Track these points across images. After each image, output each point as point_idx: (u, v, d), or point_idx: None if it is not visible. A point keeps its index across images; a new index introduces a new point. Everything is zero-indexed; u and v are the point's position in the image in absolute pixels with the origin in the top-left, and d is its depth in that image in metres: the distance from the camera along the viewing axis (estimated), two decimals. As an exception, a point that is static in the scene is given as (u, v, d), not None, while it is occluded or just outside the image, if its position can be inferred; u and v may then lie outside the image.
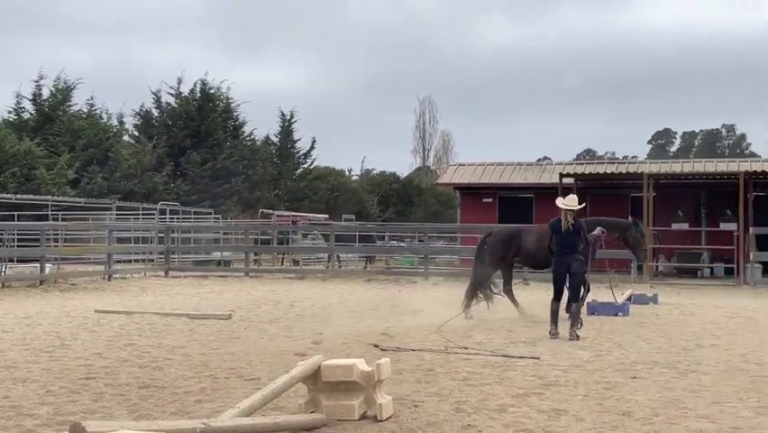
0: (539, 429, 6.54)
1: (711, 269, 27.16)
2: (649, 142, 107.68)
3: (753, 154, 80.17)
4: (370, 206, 56.32)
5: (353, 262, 33.61)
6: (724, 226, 26.96)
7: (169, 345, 10.86)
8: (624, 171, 28.22)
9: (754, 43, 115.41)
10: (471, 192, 32.47)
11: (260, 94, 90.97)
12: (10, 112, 45.96)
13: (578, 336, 11.62)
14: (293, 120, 55.16)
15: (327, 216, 42.89)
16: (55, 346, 10.81)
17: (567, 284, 12.20)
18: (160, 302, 17.20)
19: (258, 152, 52.33)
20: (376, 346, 10.52)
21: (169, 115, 49.79)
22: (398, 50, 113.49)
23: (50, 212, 32.87)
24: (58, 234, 30.86)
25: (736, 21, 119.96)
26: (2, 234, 22.48)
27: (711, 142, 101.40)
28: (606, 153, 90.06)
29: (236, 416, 5.98)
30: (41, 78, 46.20)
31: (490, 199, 31.70)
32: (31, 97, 46.34)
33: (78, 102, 47.77)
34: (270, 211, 41.52)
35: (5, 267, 21.32)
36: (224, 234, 33.99)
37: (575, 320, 11.90)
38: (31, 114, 46.35)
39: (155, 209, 33.69)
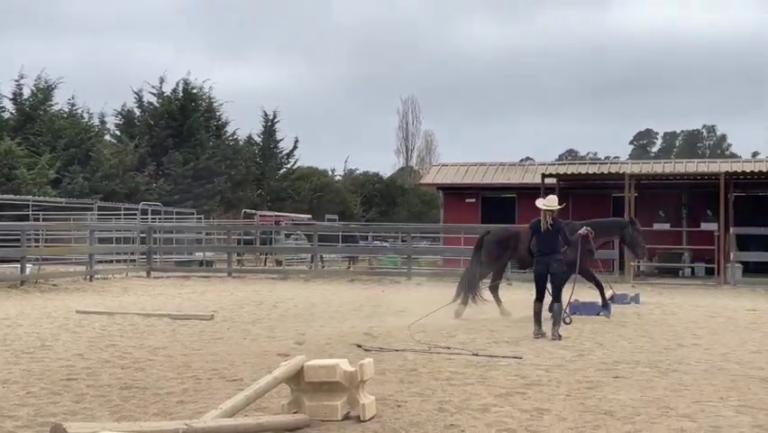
0: (522, 429, 6.56)
1: (692, 269, 27.38)
2: (631, 143, 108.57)
3: (733, 155, 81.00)
4: (354, 206, 56.34)
5: (337, 262, 33.62)
6: (705, 226, 27.14)
7: (150, 346, 10.82)
8: (606, 172, 28.34)
9: (734, 44, 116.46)
10: (454, 192, 32.51)
11: (242, 94, 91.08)
12: (-10, 111, 45.75)
13: (560, 336, 11.67)
14: (276, 120, 55.24)
15: (310, 216, 42.86)
16: (36, 347, 10.73)
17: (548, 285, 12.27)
18: (142, 303, 17.10)
19: (240, 151, 52.20)
20: (359, 347, 10.51)
21: (151, 114, 49.56)
22: (382, 50, 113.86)
23: (30, 212, 32.61)
24: (39, 235, 30.67)
25: (716, 21, 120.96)
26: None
27: (692, 143, 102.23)
28: (588, 154, 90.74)
29: (219, 417, 5.97)
30: (22, 78, 46.04)
31: (473, 200, 31.76)
32: (11, 97, 46.10)
33: (59, 101, 47.67)
34: (253, 211, 41.40)
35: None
36: (207, 234, 33.85)
37: (557, 320, 11.95)
38: (11, 113, 46.03)
39: (137, 209, 33.49)
